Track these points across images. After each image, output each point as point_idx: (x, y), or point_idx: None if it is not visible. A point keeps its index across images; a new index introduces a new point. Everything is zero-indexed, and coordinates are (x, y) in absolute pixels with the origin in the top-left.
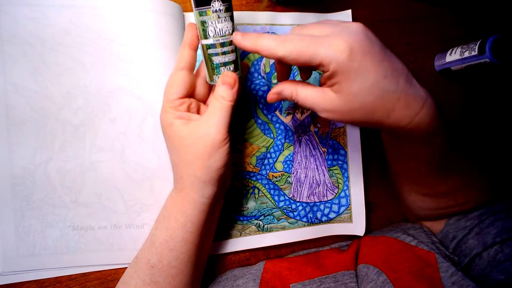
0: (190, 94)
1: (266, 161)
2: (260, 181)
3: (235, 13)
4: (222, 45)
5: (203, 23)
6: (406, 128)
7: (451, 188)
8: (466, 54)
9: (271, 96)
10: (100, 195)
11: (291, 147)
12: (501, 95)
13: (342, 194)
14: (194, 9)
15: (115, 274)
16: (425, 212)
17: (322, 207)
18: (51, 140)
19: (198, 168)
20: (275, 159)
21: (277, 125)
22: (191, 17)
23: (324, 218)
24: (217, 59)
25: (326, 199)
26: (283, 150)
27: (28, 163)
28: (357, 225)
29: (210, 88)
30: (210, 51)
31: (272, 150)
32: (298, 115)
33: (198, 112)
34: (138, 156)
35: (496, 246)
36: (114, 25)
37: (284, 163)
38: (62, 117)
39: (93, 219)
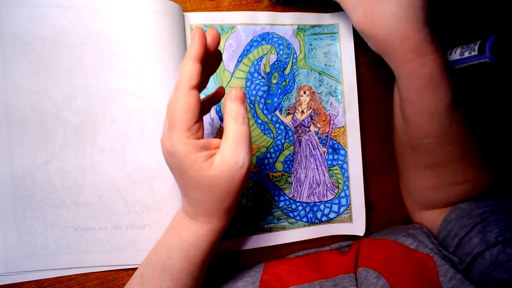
0: None
1: (266, 161)
2: (260, 181)
3: (235, 13)
4: None
5: None
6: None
7: (451, 158)
8: (466, 54)
9: None
10: (100, 196)
11: (291, 147)
12: (501, 95)
13: (342, 194)
14: None
15: (115, 275)
16: (426, 193)
17: (322, 207)
18: (51, 141)
19: (231, 202)
20: (275, 159)
21: (277, 125)
22: (191, 17)
23: (324, 218)
24: None
25: (326, 199)
26: (283, 150)
27: (29, 164)
28: (357, 225)
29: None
30: None
31: (272, 150)
32: (298, 115)
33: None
34: (139, 156)
35: (498, 246)
36: (114, 25)
37: (284, 163)
38: (62, 117)
39: (94, 220)
